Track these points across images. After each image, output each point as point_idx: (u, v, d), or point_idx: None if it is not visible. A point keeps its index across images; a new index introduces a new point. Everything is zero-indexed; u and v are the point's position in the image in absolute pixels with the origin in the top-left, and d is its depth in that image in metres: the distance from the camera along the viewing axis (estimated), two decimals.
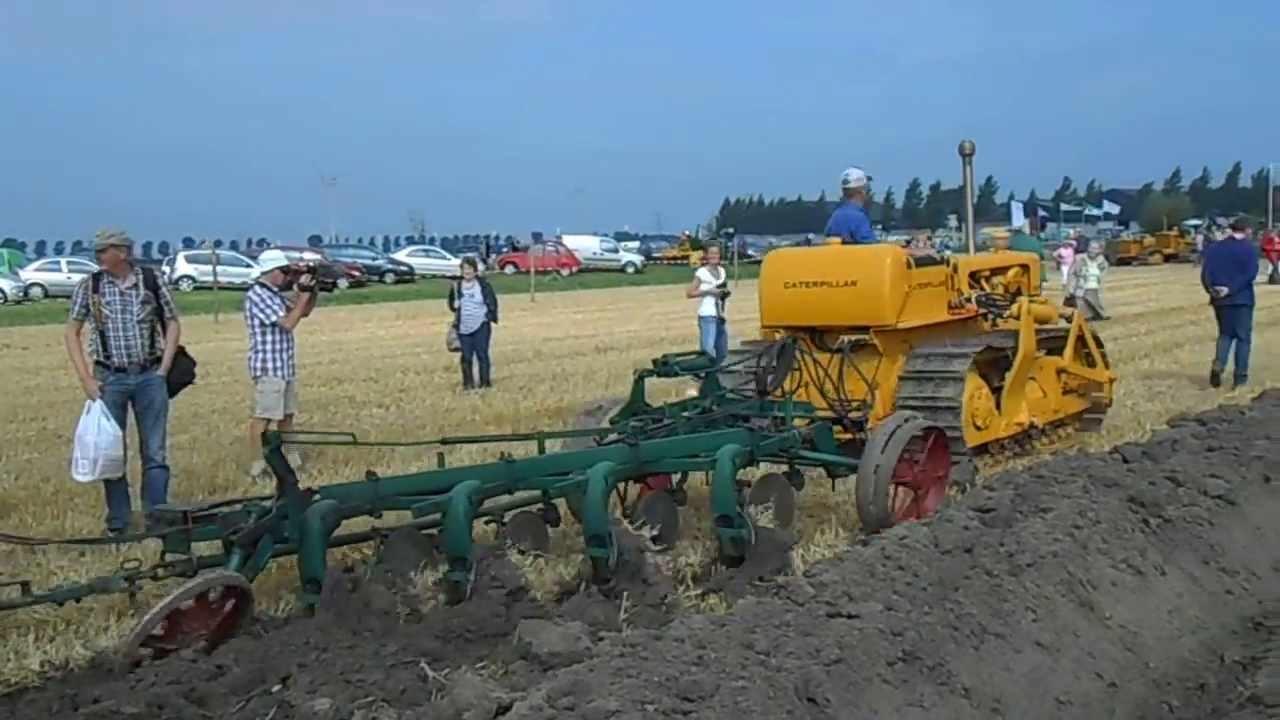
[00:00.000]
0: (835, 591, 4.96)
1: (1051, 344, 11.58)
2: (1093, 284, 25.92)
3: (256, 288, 11.57)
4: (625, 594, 6.62)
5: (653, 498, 8.25)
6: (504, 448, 8.41)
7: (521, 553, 7.21)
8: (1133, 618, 5.82)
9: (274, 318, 11.23)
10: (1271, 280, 37.79)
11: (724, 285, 17.88)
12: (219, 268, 44.15)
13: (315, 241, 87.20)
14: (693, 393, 13.09)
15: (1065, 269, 28.58)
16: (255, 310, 11.31)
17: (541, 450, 8.27)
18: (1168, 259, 67.86)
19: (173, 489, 9.65)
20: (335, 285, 47.69)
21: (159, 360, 9.26)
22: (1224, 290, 15.61)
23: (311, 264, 13.93)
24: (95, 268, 9.55)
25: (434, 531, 7.21)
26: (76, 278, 16.33)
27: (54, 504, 9.81)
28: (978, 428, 9.94)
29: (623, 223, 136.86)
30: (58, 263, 54.38)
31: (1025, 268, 12.20)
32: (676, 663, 4.14)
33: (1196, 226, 78.58)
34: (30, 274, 51.46)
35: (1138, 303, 32.61)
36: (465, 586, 6.55)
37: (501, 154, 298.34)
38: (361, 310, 41.01)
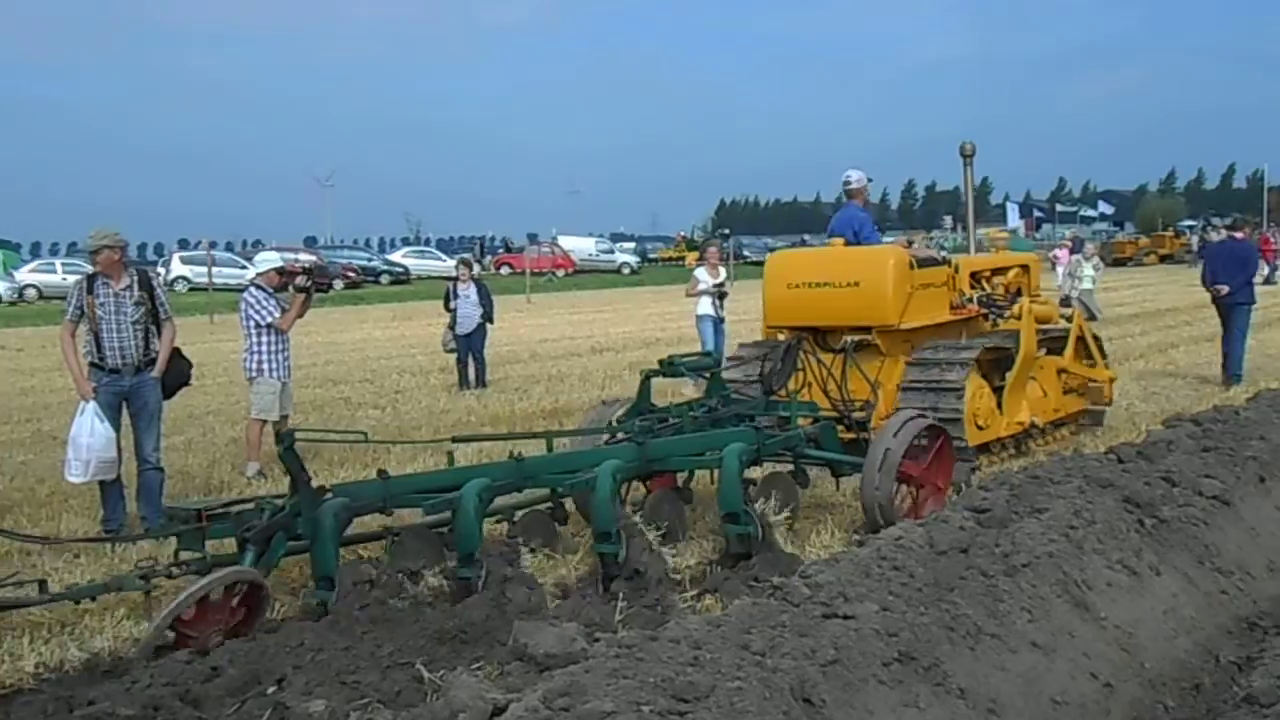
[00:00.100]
0: (831, 592, 4.96)
1: (1052, 344, 11.64)
2: (1088, 285, 25.97)
3: (252, 289, 11.56)
4: (621, 595, 6.65)
5: (659, 496, 8.33)
6: (513, 446, 8.49)
7: (532, 550, 7.32)
8: (1128, 618, 5.82)
9: (269, 319, 11.23)
10: (1266, 281, 37.82)
11: (721, 284, 17.84)
12: (214, 269, 44.14)
13: (311, 242, 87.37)
14: (687, 392, 13.17)
15: (1060, 270, 28.62)
16: (250, 311, 11.31)
17: (550, 449, 8.36)
18: (1163, 259, 67.95)
19: (168, 491, 9.64)
20: (331, 286, 47.69)
21: (153, 362, 9.25)
22: (1224, 289, 15.74)
23: (307, 265, 13.95)
24: (90, 269, 9.54)
25: (444, 530, 7.29)
26: (71, 279, 16.28)
27: (49, 506, 9.80)
28: (979, 427, 9.98)
29: (618, 223, 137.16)
30: (53, 264, 54.46)
31: (1025, 268, 12.26)
32: (672, 663, 4.13)
33: (1191, 227, 78.70)
34: (25, 275, 51.47)
35: (1132, 303, 32.66)
36: (476, 583, 6.61)
37: (497, 155, 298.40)
38: (357, 311, 41.01)
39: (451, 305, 17.60)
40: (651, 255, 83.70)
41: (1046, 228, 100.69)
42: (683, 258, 73.27)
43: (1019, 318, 10.85)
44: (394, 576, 6.59)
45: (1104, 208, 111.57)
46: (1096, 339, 12.42)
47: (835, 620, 4.70)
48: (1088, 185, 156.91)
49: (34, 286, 49.25)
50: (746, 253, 73.60)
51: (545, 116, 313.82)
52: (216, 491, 10.37)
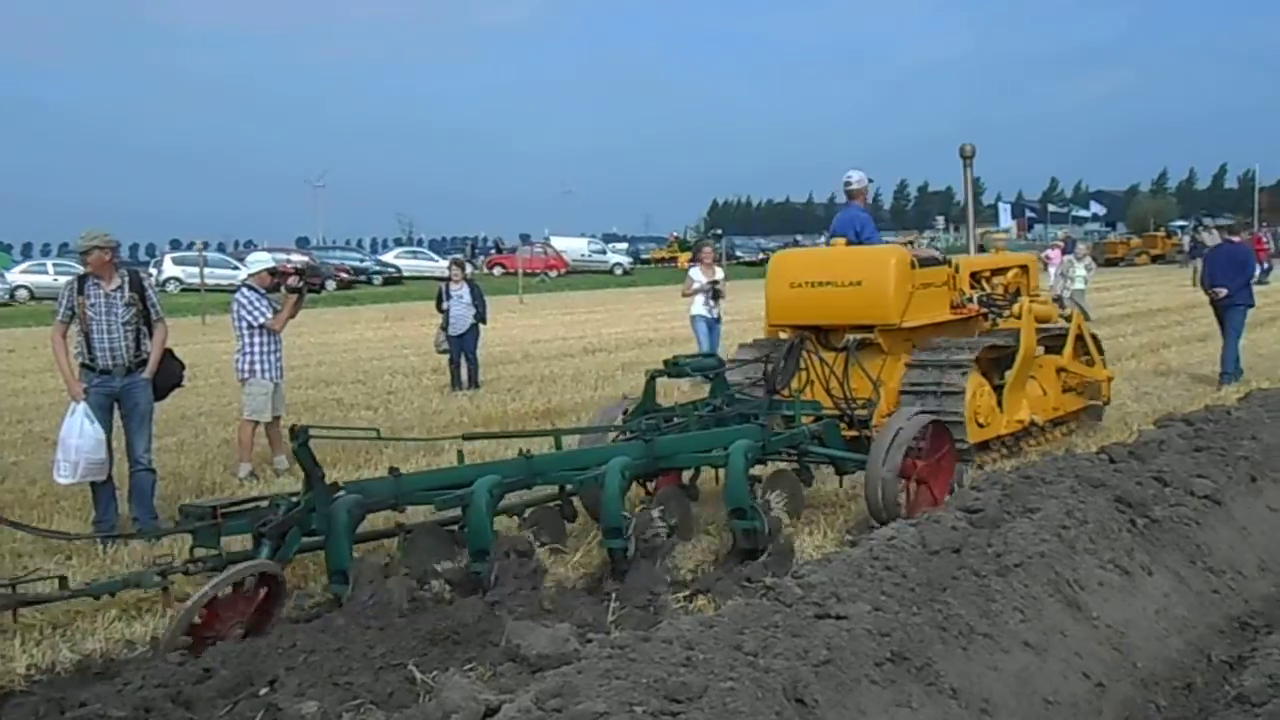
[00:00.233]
0: (823, 592, 4.96)
1: (1051, 343, 11.74)
2: (1079, 285, 25.97)
3: (244, 290, 11.55)
4: (614, 595, 6.66)
5: (666, 493, 8.41)
6: (521, 444, 8.56)
7: (542, 545, 7.41)
8: (1120, 618, 5.83)
9: (261, 320, 11.22)
10: (1258, 281, 37.91)
11: (716, 281, 17.82)
12: (206, 270, 44.05)
13: (303, 243, 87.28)
14: (687, 390, 13.20)
15: (1053, 270, 28.64)
16: (243, 312, 11.30)
17: (558, 447, 8.51)
18: (1154, 260, 68.04)
19: (160, 492, 9.62)
20: (323, 287, 47.47)
21: (144, 363, 9.23)
22: (1223, 292, 15.89)
23: (299, 266, 13.94)
24: (81, 270, 9.52)
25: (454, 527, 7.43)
26: (63, 280, 16.30)
27: (40, 507, 9.78)
28: (980, 425, 10.11)
29: (611, 224, 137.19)
30: (44, 265, 54.25)
31: (1024, 268, 12.41)
32: (665, 664, 4.13)
33: (1183, 227, 78.80)
34: (16, 276, 51.30)
35: (1124, 303, 32.71)
36: (487, 578, 6.71)
37: (490, 155, 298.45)
38: (349, 312, 40.95)
39: (444, 306, 17.57)
40: (644, 256, 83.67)
41: (1039, 228, 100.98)
42: (675, 258, 73.31)
43: (1019, 317, 10.97)
44: (404, 577, 6.65)
45: (1096, 208, 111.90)
46: (1095, 338, 12.55)
47: (828, 620, 4.70)
48: (1080, 185, 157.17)
49: (25, 287, 49.11)
50: (739, 253, 73.66)
51: (538, 117, 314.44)
52: (209, 493, 10.34)
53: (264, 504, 6.98)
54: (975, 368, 10.12)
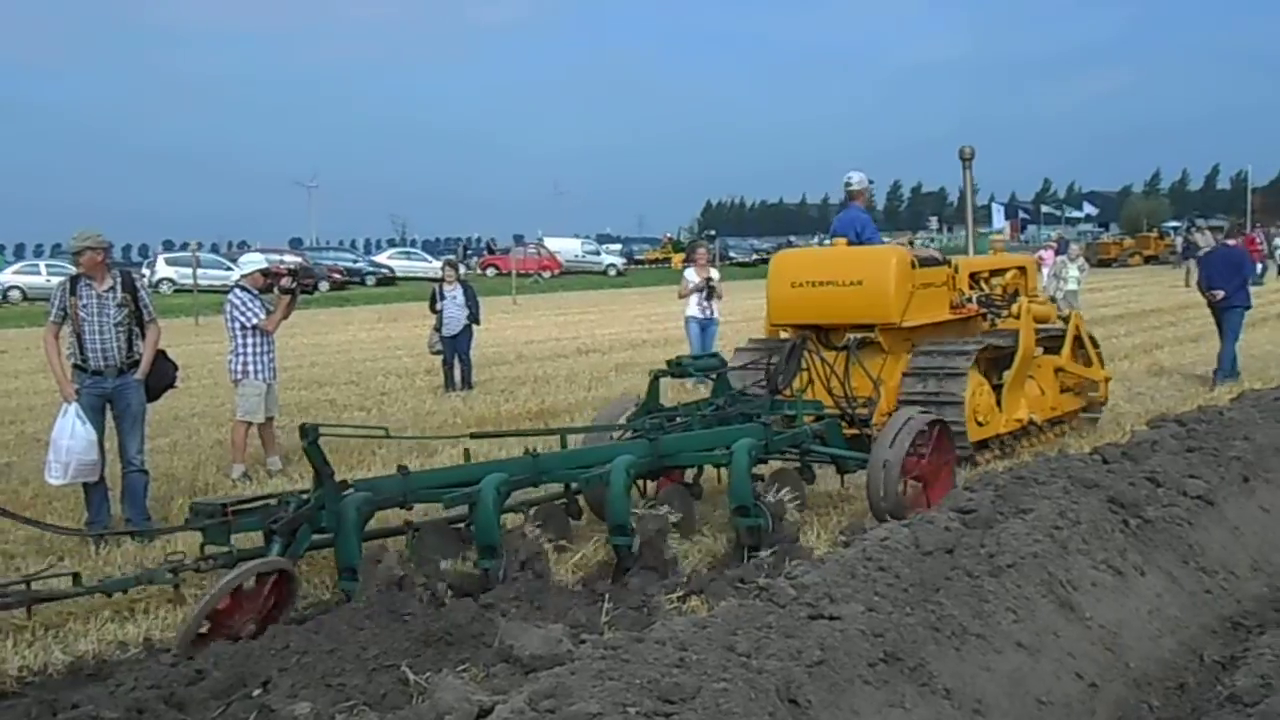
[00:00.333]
0: (817, 593, 4.96)
1: (1049, 343, 11.85)
2: (1072, 286, 26.01)
3: (237, 291, 11.55)
4: (607, 596, 6.67)
5: (670, 491, 8.54)
6: (524, 443, 8.83)
7: (550, 541, 7.54)
8: (1113, 618, 5.84)
9: (254, 321, 11.21)
10: (1254, 283, 38.00)
11: (711, 278, 17.79)
12: (199, 270, 43.99)
13: (296, 244, 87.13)
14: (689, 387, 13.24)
15: (1045, 271, 28.68)
16: (236, 313, 11.29)
17: (564, 445, 8.65)
18: (1147, 260, 68.22)
19: (153, 493, 9.61)
20: (316, 288, 47.59)
21: (137, 364, 9.22)
22: (1220, 294, 16.05)
23: (292, 267, 13.92)
24: (74, 271, 9.51)
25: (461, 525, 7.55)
26: (55, 280, 16.25)
27: (33, 509, 9.73)
28: (979, 424, 10.22)
29: (604, 224, 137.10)
30: (36, 266, 54.17)
31: (1022, 270, 12.53)
32: (658, 665, 4.13)
33: (1176, 228, 78.96)
34: (9, 277, 51.19)
35: (1117, 304, 32.75)
36: (496, 574, 6.84)
37: (483, 155, 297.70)
38: (342, 313, 40.94)
39: (437, 307, 17.57)
40: (638, 257, 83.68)
41: (1031, 229, 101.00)
42: (669, 259, 73.31)
43: (1018, 317, 11.08)
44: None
45: (1089, 209, 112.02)
46: (1093, 339, 12.65)
47: (821, 621, 4.70)
48: (1073, 186, 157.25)
49: (18, 288, 49.02)
50: (733, 254, 73.72)
51: (531, 117, 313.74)
52: (202, 494, 10.32)
53: (273, 501, 7.07)
54: (975, 366, 10.24)
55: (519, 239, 79.66)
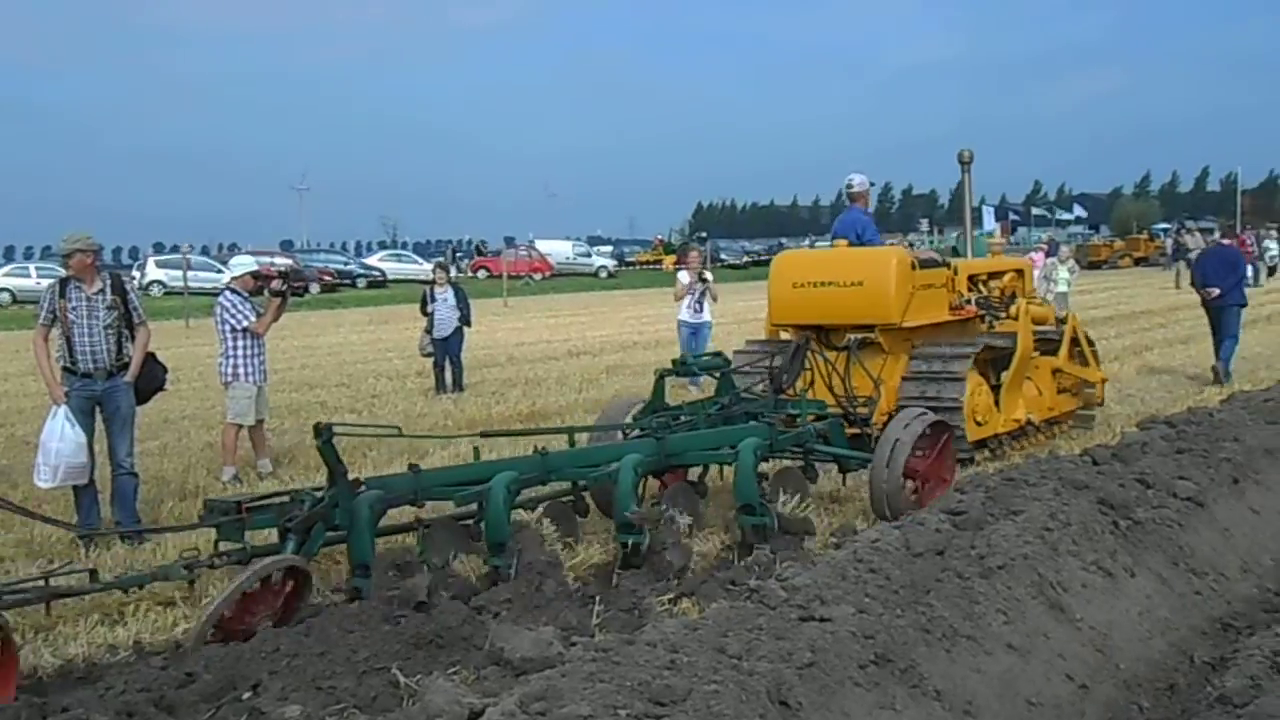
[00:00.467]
0: (807, 595, 4.97)
1: (1046, 344, 12.00)
2: (1062, 288, 26.06)
3: (227, 293, 11.54)
4: (598, 598, 6.68)
5: (676, 489, 8.67)
6: (516, 443, 9.04)
7: (563, 540, 7.79)
8: (1103, 619, 5.85)
9: (245, 323, 11.20)
10: (1251, 284, 38.11)
11: (704, 277, 17.79)
12: (189, 273, 43.91)
13: (287, 246, 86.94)
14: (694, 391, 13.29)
15: (1036, 273, 28.70)
16: (226, 316, 11.28)
17: (572, 444, 8.79)
18: (1137, 262, 68.30)
19: (143, 495, 9.60)
20: (307, 290, 47.53)
21: (126, 366, 9.20)
22: (1215, 291, 16.21)
23: (282, 269, 13.91)
24: (63, 273, 9.49)
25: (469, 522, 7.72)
26: (45, 283, 16.19)
27: None
28: (978, 423, 10.37)
29: (595, 226, 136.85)
30: (26, 268, 53.93)
31: (1020, 272, 12.71)
32: (649, 667, 4.13)
33: (1166, 230, 79.08)
34: None
35: (1107, 306, 32.79)
36: (507, 571, 6.96)
37: (474, 157, 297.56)
38: (333, 315, 40.86)
39: (429, 309, 17.55)
40: (629, 259, 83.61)
41: (1022, 231, 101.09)
42: (660, 261, 73.26)
43: (1016, 319, 11.27)
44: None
45: (1079, 211, 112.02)
46: (1090, 340, 12.80)
47: (812, 623, 4.71)
48: (1063, 188, 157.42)
49: (7, 290, 48.84)
50: (724, 256, 73.66)
51: (522, 119, 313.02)
52: (192, 497, 10.31)
53: (288, 499, 7.16)
54: (973, 368, 10.38)
55: (510, 241, 79.59)
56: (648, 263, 77.87)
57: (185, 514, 9.50)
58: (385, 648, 5.82)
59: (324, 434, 7.00)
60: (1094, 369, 12.68)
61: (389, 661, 5.60)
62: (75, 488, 8.97)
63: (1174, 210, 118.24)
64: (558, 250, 72.83)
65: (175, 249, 57.54)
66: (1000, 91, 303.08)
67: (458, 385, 17.37)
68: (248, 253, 24.61)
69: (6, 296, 48.24)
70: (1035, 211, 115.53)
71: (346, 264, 63.97)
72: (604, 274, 70.00)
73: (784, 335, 10.98)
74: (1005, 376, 10.86)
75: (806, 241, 75.24)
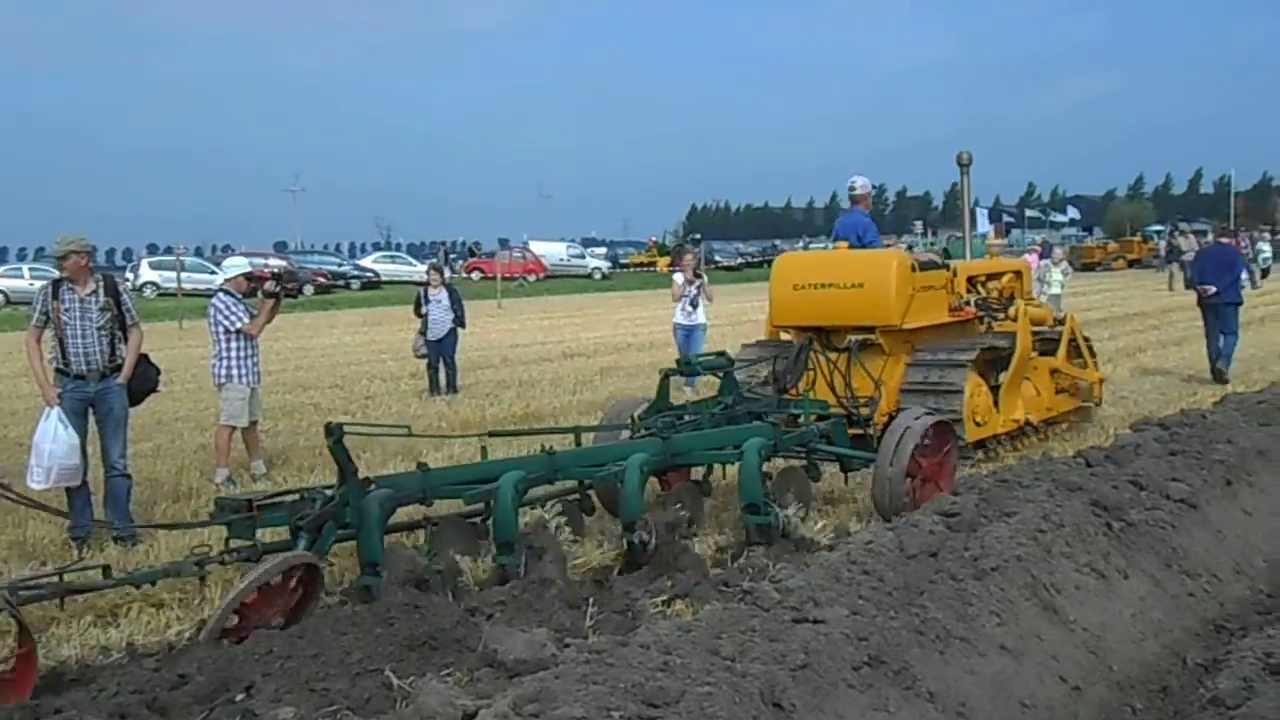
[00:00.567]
0: (801, 597, 4.97)
1: (1045, 345, 12.10)
2: (1056, 290, 26.08)
3: (220, 294, 11.52)
4: (591, 600, 6.68)
5: (681, 488, 8.78)
6: (528, 442, 9.16)
7: (573, 537, 7.87)
8: (1096, 621, 5.86)
9: (238, 325, 11.19)
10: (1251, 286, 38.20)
11: (698, 274, 17.83)
12: (183, 274, 43.83)
13: (281, 248, 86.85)
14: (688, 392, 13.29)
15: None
16: (219, 317, 11.26)
17: (578, 443, 8.88)
18: (1131, 264, 68.42)
19: (136, 497, 9.57)
20: (300, 291, 47.43)
21: (119, 368, 9.18)
22: (1211, 289, 16.39)
23: (276, 270, 13.88)
24: (57, 274, 9.47)
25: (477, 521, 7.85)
26: (38, 284, 16.18)
27: (15, 512, 9.67)
28: (978, 424, 10.44)
29: (589, 228, 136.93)
30: (19, 269, 53.88)
31: (1018, 274, 12.85)
32: (642, 669, 4.13)
33: (1159, 232, 79.26)
34: None
35: (1101, 308, 32.82)
36: (515, 570, 7.07)
37: (468, 159, 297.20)
38: (327, 317, 40.82)
39: (422, 311, 17.55)
40: (623, 260, 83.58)
41: (1016, 233, 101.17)
42: (654, 263, 73.25)
43: (1015, 320, 11.37)
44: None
45: (1073, 213, 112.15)
46: (1088, 341, 12.94)
47: (805, 625, 4.71)
48: (1057, 190, 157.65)
49: (1, 292, 48.81)
50: (718, 258, 73.68)
51: (516, 121, 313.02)
52: (186, 499, 10.32)
53: (299, 498, 7.21)
54: (973, 369, 10.45)
55: (504, 242, 79.56)
56: (642, 264, 77.84)
57: (178, 515, 9.50)
58: (378, 649, 5.81)
59: (335, 433, 7.07)
60: (1092, 369, 12.83)
61: (382, 663, 5.59)
62: (68, 489, 8.95)
63: (1167, 212, 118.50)
64: (552, 252, 72.80)
65: (169, 250, 57.34)
66: (994, 94, 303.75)
67: (451, 387, 17.36)
68: (241, 254, 24.51)
69: (0, 298, 48.16)
70: (1029, 213, 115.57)
71: (340, 265, 63.95)
72: (598, 276, 70.01)
73: (784, 336, 11.08)
74: (1004, 377, 10.93)
75: (801, 244, 75.27)
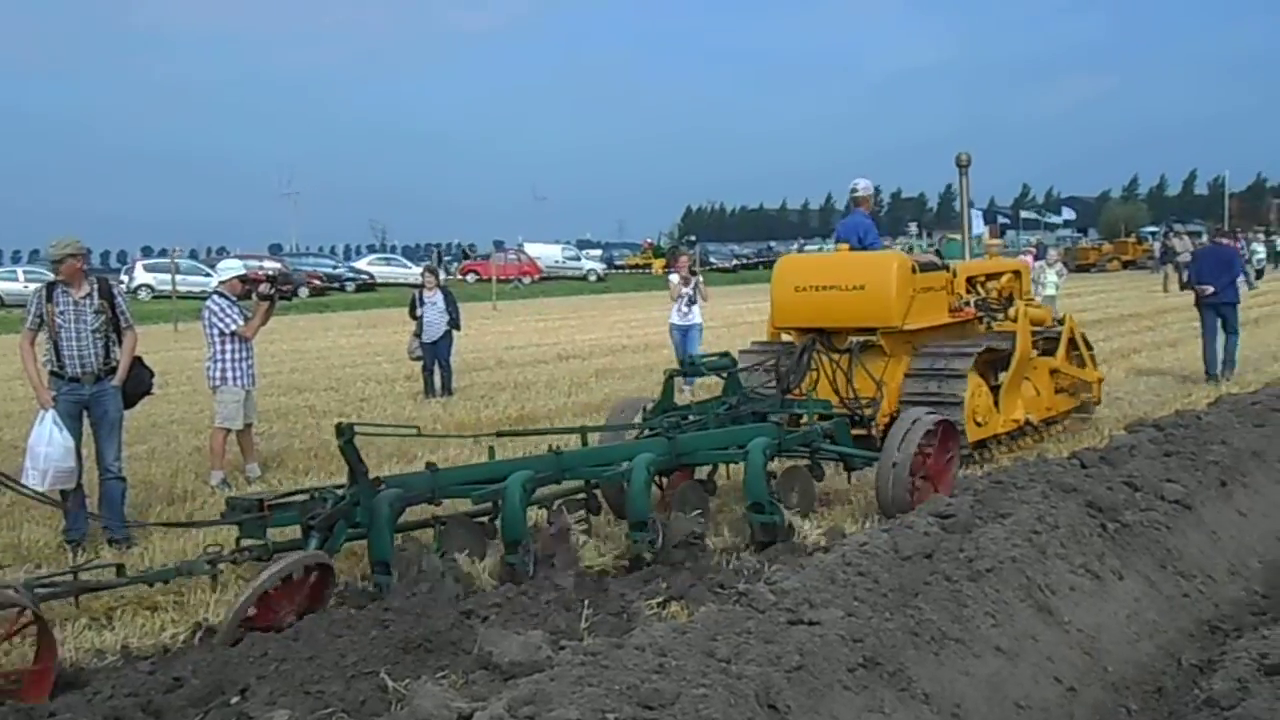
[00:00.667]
0: (796, 598, 4.97)
1: (1044, 345, 12.16)
2: (1051, 291, 26.10)
3: (215, 297, 11.51)
4: (587, 602, 6.67)
5: (685, 487, 8.79)
6: (526, 442, 9.24)
7: (584, 537, 7.96)
8: (1091, 622, 5.86)
9: (233, 327, 11.18)
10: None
11: (693, 272, 17.87)
12: (178, 276, 43.82)
13: (276, 250, 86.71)
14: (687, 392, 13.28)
15: None
16: (214, 320, 11.25)
17: (584, 443, 8.97)
18: (1126, 265, 68.53)
19: (131, 500, 9.57)
20: (295, 294, 47.41)
21: (114, 370, 9.18)
22: (1209, 289, 16.45)
23: (271, 273, 13.88)
24: (51, 277, 9.47)
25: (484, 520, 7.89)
26: (33, 287, 16.16)
27: (10, 515, 9.70)
28: (978, 424, 10.48)
29: (585, 230, 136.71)
30: (14, 272, 53.84)
31: (1017, 274, 12.92)
32: (637, 671, 4.13)
33: (1154, 233, 79.32)
34: None
35: (1095, 309, 32.84)
36: (524, 569, 7.21)
37: (463, 161, 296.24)
38: (322, 319, 40.79)
39: (418, 313, 17.54)
40: (618, 262, 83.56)
41: (1011, 234, 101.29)
42: (649, 265, 73.26)
43: (1014, 320, 11.42)
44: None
45: (1067, 214, 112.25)
46: (1087, 341, 13.00)
47: (800, 626, 4.71)
48: (1051, 191, 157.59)
49: None
50: (713, 259, 73.67)
51: (511, 123, 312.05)
52: (180, 501, 10.31)
53: (309, 497, 7.28)
54: (973, 370, 10.48)
55: (499, 244, 79.49)
56: (637, 266, 77.84)
57: (173, 518, 9.47)
58: (373, 652, 5.81)
59: (346, 434, 7.14)
60: (1091, 369, 12.90)
61: (377, 665, 5.58)
62: (63, 492, 8.94)
63: (1162, 213, 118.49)
64: (547, 254, 72.78)
65: (164, 252, 57.38)
66: (989, 96, 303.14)
67: (446, 389, 17.36)
68: (236, 256, 24.55)
69: None
70: (1024, 215, 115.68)
71: (335, 267, 63.97)
72: (593, 277, 69.99)
73: (785, 338, 11.14)
74: (1004, 377, 10.98)
75: (795, 245, 75.28)
